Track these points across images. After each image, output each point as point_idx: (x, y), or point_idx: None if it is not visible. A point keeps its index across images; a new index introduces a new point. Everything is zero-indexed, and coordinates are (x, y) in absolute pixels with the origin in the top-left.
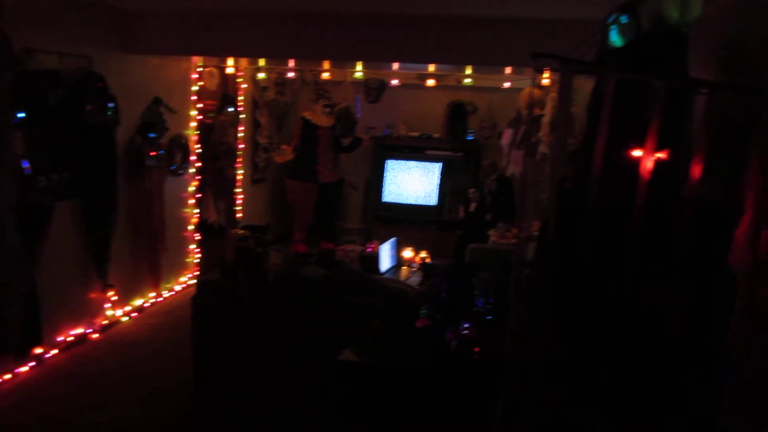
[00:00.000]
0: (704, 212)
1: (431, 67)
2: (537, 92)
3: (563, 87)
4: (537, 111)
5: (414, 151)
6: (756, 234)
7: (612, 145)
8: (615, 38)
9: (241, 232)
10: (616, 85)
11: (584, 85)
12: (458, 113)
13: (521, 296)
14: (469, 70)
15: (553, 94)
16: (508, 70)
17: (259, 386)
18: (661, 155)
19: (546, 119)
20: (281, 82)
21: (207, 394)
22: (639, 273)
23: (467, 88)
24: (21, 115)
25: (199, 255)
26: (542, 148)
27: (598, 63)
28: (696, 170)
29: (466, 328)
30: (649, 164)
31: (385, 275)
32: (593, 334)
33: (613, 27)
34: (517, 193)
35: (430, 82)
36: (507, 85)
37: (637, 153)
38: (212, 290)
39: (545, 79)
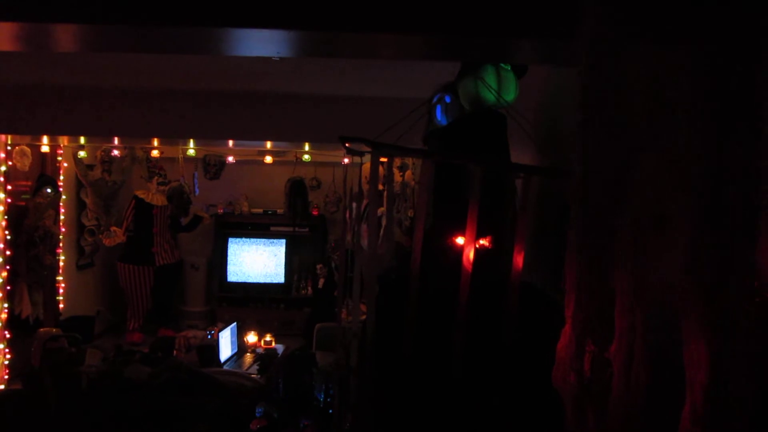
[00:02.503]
0: (535, 304)
1: (268, 145)
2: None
3: (373, 170)
4: (380, 186)
5: (257, 228)
6: (579, 350)
7: (434, 232)
8: (440, 117)
9: (53, 330)
10: (436, 168)
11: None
12: (298, 189)
13: (345, 402)
14: (307, 146)
15: (394, 168)
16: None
17: None
18: (483, 242)
19: (386, 194)
20: (108, 160)
21: None
22: (466, 375)
23: (310, 162)
24: None
25: (9, 356)
26: (385, 222)
27: (426, 141)
28: (519, 259)
29: (305, 426)
30: (470, 253)
31: (226, 365)
32: None
33: (438, 106)
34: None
35: (268, 159)
36: (346, 161)
37: (459, 240)
38: (12, 403)
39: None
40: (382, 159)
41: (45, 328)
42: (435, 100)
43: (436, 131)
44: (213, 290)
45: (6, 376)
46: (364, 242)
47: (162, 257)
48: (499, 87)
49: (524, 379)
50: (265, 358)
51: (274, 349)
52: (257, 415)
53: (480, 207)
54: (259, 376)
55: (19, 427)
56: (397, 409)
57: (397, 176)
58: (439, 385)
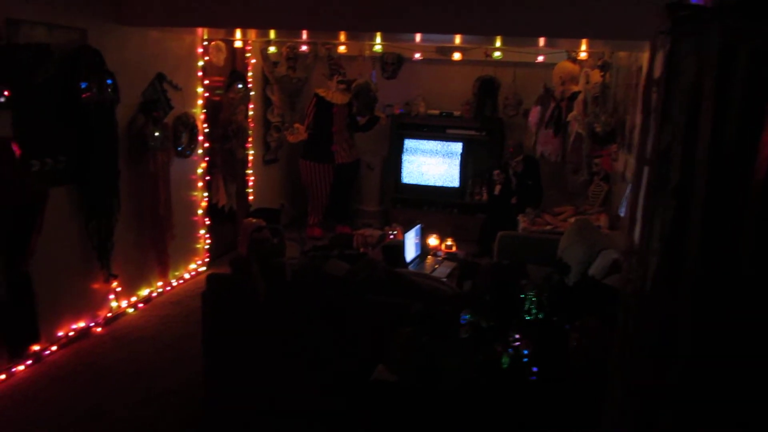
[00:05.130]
0: None
1: (457, 39)
2: (573, 67)
3: (710, 52)
4: (573, 87)
5: (434, 130)
6: None
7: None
8: None
9: (254, 221)
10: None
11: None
12: (488, 89)
13: (639, 347)
14: (498, 42)
15: (587, 69)
16: (541, 42)
17: (274, 393)
18: None
19: (581, 97)
20: (293, 57)
21: (217, 398)
22: None
23: (489, 62)
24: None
25: (209, 241)
26: (577, 128)
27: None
28: None
29: (517, 340)
30: None
31: (410, 267)
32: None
33: None
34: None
35: (456, 56)
36: (540, 59)
37: None
38: (223, 287)
39: (583, 53)
40: (584, 56)
41: (250, 219)
42: None
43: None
44: (387, 191)
45: (207, 259)
46: (547, 148)
47: (341, 156)
48: None
49: None
50: (466, 265)
51: (456, 254)
52: (462, 322)
53: None
54: (446, 280)
55: (232, 307)
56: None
57: (597, 76)
58: None
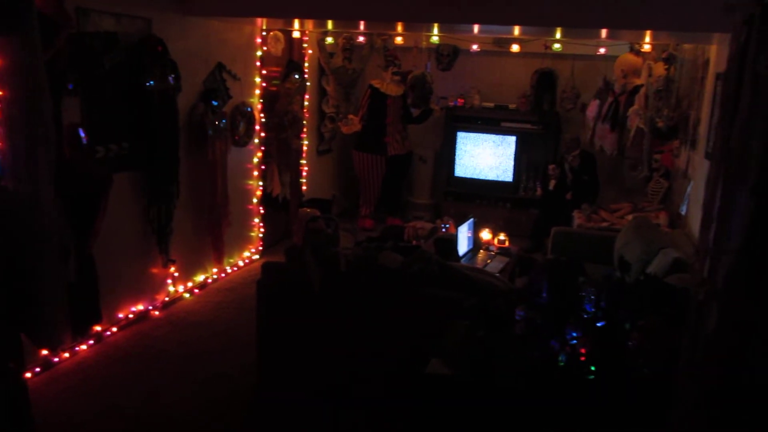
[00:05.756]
0: None
1: (516, 31)
2: (636, 59)
3: None
4: (635, 81)
5: (488, 123)
6: None
7: None
8: None
9: (309, 211)
10: None
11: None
12: (547, 82)
13: (712, 349)
14: (558, 34)
15: (650, 62)
16: (603, 33)
17: (327, 382)
18: None
19: (643, 91)
20: (349, 48)
21: (270, 384)
22: None
23: (546, 55)
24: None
25: (263, 230)
26: (638, 123)
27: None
28: None
29: (574, 338)
30: None
31: (462, 260)
32: None
33: None
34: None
35: (515, 48)
36: (602, 51)
37: None
38: (278, 275)
39: (647, 45)
40: (648, 49)
41: (305, 209)
42: None
43: None
44: (439, 184)
45: (260, 247)
46: (604, 143)
47: (394, 147)
48: None
49: None
50: (522, 260)
51: (508, 249)
52: (517, 318)
53: None
54: (499, 275)
55: (286, 296)
56: None
57: (661, 69)
58: None
